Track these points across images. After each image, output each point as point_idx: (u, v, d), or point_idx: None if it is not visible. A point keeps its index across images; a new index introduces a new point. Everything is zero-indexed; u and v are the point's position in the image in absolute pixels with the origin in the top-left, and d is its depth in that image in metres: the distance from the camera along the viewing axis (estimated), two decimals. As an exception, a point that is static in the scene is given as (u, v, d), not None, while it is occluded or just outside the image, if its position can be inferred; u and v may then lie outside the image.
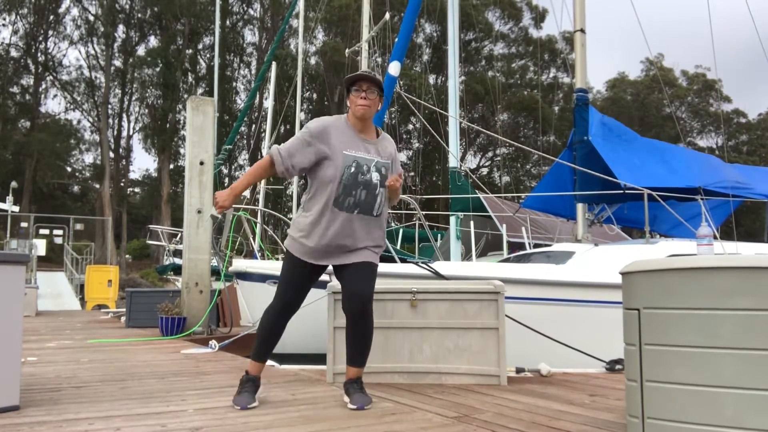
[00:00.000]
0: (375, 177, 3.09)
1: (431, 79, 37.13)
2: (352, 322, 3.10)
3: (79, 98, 37.25)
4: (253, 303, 6.67)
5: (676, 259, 2.23)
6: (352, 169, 3.04)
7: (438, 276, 5.65)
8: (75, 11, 37.29)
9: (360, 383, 3.16)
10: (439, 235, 13.64)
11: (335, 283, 3.89)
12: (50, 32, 36.84)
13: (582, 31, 7.63)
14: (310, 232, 3.09)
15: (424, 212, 8.21)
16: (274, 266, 6.65)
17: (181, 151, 37.00)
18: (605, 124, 7.64)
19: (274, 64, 16.20)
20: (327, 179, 3.05)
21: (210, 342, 5.82)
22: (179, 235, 16.88)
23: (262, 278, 6.55)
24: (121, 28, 37.29)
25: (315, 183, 3.12)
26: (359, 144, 3.11)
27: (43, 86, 37.13)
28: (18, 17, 35.53)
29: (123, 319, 8.96)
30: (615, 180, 6.88)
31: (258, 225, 11.91)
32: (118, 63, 37.02)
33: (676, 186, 7.19)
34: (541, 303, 5.74)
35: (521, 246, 10.42)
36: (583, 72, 7.65)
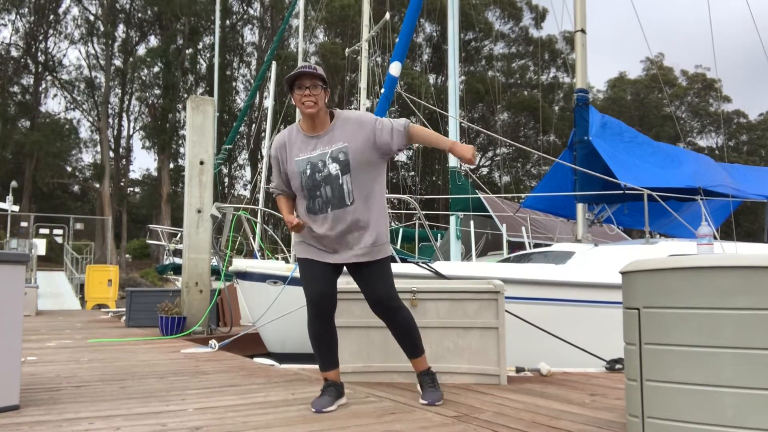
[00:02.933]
0: (333, 168, 3.00)
1: (431, 78, 37.13)
2: (386, 322, 3.14)
3: (79, 98, 37.29)
4: (253, 303, 6.67)
5: (676, 259, 2.23)
6: (308, 172, 3.02)
7: (438, 276, 5.65)
8: (75, 11, 37.45)
9: (432, 376, 3.19)
10: (439, 234, 13.65)
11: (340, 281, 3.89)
12: (50, 32, 36.85)
13: (582, 31, 7.63)
14: (307, 236, 3.12)
15: (424, 212, 8.21)
16: (274, 266, 6.65)
17: (181, 150, 37.01)
18: (606, 125, 7.64)
19: (274, 64, 16.19)
20: (296, 191, 3.10)
21: (210, 341, 5.82)
22: (179, 234, 16.88)
23: (262, 278, 6.55)
24: (121, 27, 37.35)
25: (297, 197, 3.19)
26: (309, 144, 3.06)
27: (43, 86, 37.16)
28: (18, 17, 35.56)
29: (123, 318, 8.96)
30: (615, 180, 6.88)
31: (258, 225, 11.91)
32: (118, 62, 37.04)
33: (676, 186, 7.19)
34: (541, 303, 5.74)
35: (521, 246, 10.42)
36: (583, 72, 7.65)
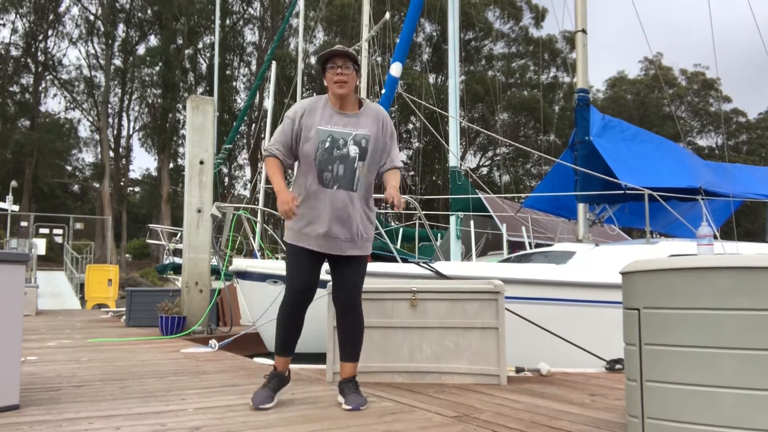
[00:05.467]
0: (353, 150, 3.02)
1: (431, 78, 37.12)
2: (341, 314, 3.14)
3: (78, 97, 37.28)
4: (253, 302, 6.68)
5: (676, 259, 2.23)
6: (327, 144, 3.01)
7: (439, 275, 5.65)
8: (75, 10, 37.43)
9: (354, 383, 3.15)
10: (439, 234, 13.64)
11: None
12: (50, 31, 36.84)
13: (583, 31, 7.63)
14: (302, 216, 3.06)
15: (424, 212, 8.21)
16: (274, 265, 6.65)
17: (181, 150, 37.01)
18: (606, 125, 7.64)
19: (274, 64, 16.19)
20: (304, 157, 3.05)
21: (210, 341, 5.82)
22: (179, 234, 16.89)
23: (262, 277, 6.56)
24: (121, 27, 37.32)
25: (299, 163, 3.13)
26: (336, 118, 3.06)
27: (43, 85, 37.15)
28: (18, 16, 35.55)
29: (123, 318, 8.96)
30: (616, 180, 6.88)
31: (258, 224, 11.91)
32: (118, 62, 37.03)
33: (677, 186, 7.20)
34: (541, 303, 5.74)
35: (522, 246, 10.42)
36: (584, 72, 7.65)
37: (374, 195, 3.25)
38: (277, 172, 3.06)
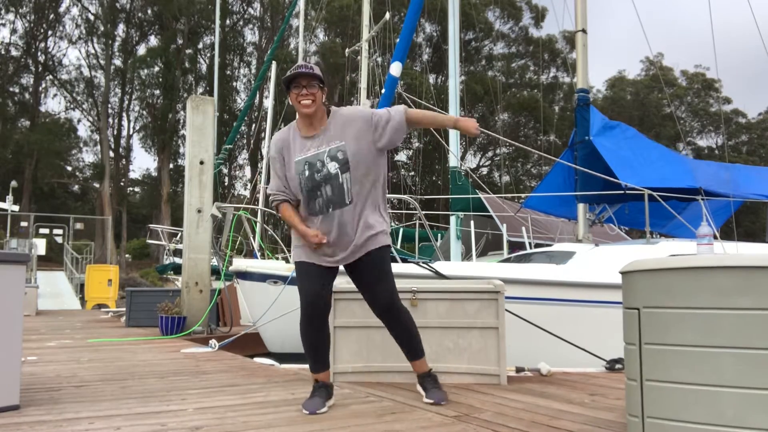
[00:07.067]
0: (333, 167, 2.97)
1: (431, 78, 37.12)
2: (386, 322, 3.11)
3: (78, 97, 37.27)
4: (253, 302, 6.68)
5: (676, 259, 2.23)
6: (306, 173, 2.99)
7: (439, 275, 5.65)
8: (75, 10, 37.36)
9: (434, 378, 3.16)
10: (439, 234, 13.65)
11: (336, 282, 3.89)
12: (50, 31, 36.84)
13: (583, 31, 7.63)
14: (306, 241, 3.07)
15: (424, 212, 8.21)
16: (274, 266, 6.66)
17: (181, 150, 37.00)
18: (606, 124, 7.65)
19: (274, 64, 16.19)
20: (295, 190, 3.04)
21: (210, 341, 5.82)
22: (179, 234, 16.89)
23: (262, 278, 6.56)
24: (121, 27, 37.31)
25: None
26: (305, 144, 3.03)
27: (43, 85, 37.15)
28: (18, 16, 35.55)
29: (123, 318, 8.96)
30: (616, 180, 6.88)
31: (258, 225, 11.91)
32: (118, 62, 37.02)
33: (677, 186, 7.20)
34: (541, 303, 5.74)
35: (522, 246, 10.43)
36: (584, 72, 7.65)
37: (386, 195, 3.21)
38: (293, 215, 3.06)
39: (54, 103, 51.04)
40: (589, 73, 7.73)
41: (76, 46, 38.31)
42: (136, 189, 43.79)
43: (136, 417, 2.79)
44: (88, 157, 39.94)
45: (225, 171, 36.97)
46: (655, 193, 6.79)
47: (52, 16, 36.35)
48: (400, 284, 4.00)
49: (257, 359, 5.07)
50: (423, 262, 6.02)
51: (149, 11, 37.35)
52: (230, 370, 4.33)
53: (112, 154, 36.71)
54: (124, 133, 37.97)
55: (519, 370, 4.33)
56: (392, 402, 3.20)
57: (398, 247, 11.80)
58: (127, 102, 37.97)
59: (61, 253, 25.06)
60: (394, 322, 3.10)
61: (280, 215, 3.12)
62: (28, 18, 35.93)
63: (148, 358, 4.99)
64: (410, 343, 3.17)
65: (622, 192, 6.92)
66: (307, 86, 2.95)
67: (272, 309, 6.30)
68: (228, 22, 37.59)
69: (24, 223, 26.42)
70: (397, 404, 3.14)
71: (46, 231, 26.55)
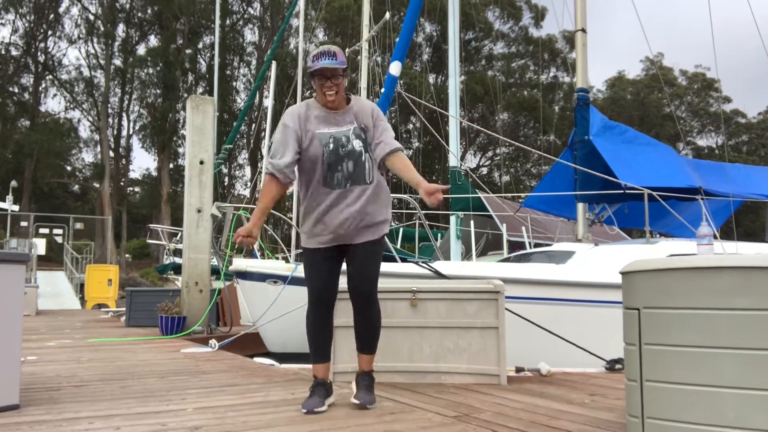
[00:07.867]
0: (357, 144, 3.02)
1: (431, 78, 37.11)
2: (360, 306, 3.09)
3: (78, 97, 37.26)
4: (253, 302, 6.68)
5: (676, 259, 2.23)
6: (331, 146, 3.00)
7: (439, 275, 5.65)
8: (75, 10, 37.34)
9: (370, 378, 3.14)
10: (439, 234, 13.65)
11: None
12: (50, 31, 36.83)
13: (583, 30, 7.63)
14: (309, 219, 3.05)
15: (424, 212, 8.21)
16: (274, 266, 6.65)
17: (181, 150, 36.98)
18: (606, 124, 7.65)
19: (274, 64, 16.19)
20: (310, 162, 3.02)
21: (210, 341, 5.82)
22: (179, 234, 16.88)
23: (262, 277, 6.56)
24: (121, 27, 37.30)
25: (301, 172, 3.09)
26: (331, 119, 3.05)
27: (43, 85, 37.14)
28: (18, 16, 35.54)
29: (123, 318, 8.96)
30: (615, 180, 6.88)
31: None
32: (117, 62, 37.01)
33: (677, 186, 7.20)
34: (541, 303, 5.74)
35: (521, 245, 10.43)
36: (584, 72, 7.65)
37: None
38: (268, 195, 3.00)
39: (54, 103, 51.07)
40: (589, 73, 7.74)
41: (75, 46, 38.37)
42: (136, 189, 43.80)
43: (136, 417, 2.79)
44: (88, 157, 40.00)
45: (225, 171, 36.99)
46: (654, 193, 6.79)
47: (52, 16, 36.34)
48: (400, 284, 4.00)
49: (257, 359, 5.07)
50: (423, 262, 6.02)
51: (149, 11, 37.34)
52: (230, 370, 4.32)
53: (112, 154, 36.71)
54: (124, 133, 38.00)
55: (519, 370, 4.33)
56: (392, 402, 3.20)
57: (398, 246, 11.81)
58: (127, 102, 37.98)
59: (61, 253, 25.06)
60: (367, 309, 3.09)
61: (263, 183, 3.08)
62: (28, 18, 35.93)
63: (148, 357, 4.99)
64: (371, 336, 3.13)
65: (622, 192, 6.92)
66: (332, 77, 2.97)
67: (272, 309, 6.30)
68: (228, 21, 37.59)
69: (24, 223, 26.42)
70: (397, 404, 3.14)
71: (46, 231, 26.55)
